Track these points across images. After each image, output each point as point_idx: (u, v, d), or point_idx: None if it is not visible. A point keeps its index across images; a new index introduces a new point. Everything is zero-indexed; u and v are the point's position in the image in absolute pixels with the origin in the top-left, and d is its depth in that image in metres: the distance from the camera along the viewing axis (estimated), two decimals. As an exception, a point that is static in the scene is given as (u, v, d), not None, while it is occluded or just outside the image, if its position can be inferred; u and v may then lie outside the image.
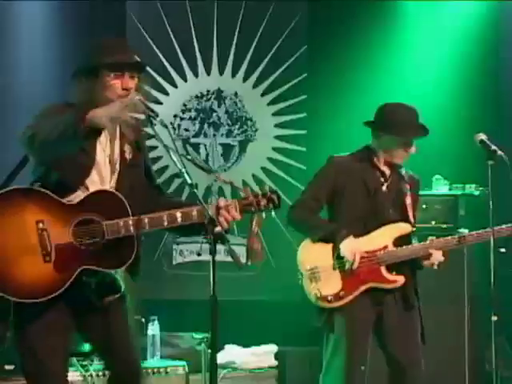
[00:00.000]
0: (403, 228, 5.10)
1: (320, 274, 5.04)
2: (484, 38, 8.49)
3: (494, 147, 5.07)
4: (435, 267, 5.05)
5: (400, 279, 5.03)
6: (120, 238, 4.03)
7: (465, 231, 6.99)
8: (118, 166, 4.21)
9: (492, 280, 4.97)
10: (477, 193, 7.27)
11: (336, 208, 5.15)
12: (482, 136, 5.13)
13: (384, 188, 5.14)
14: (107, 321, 4.19)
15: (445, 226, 7.15)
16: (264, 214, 4.19)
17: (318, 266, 5.05)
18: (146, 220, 4.05)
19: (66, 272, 4.00)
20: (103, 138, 4.15)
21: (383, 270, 5.03)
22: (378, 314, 5.08)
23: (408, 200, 5.15)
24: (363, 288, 5.01)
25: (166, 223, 4.08)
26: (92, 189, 4.07)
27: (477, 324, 6.96)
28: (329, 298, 5.01)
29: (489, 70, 8.43)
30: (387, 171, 5.16)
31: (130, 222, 4.03)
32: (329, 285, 5.02)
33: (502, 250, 5.10)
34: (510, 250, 5.09)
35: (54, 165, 4.04)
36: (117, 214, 4.04)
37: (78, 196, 4.05)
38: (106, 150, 4.18)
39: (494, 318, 5.01)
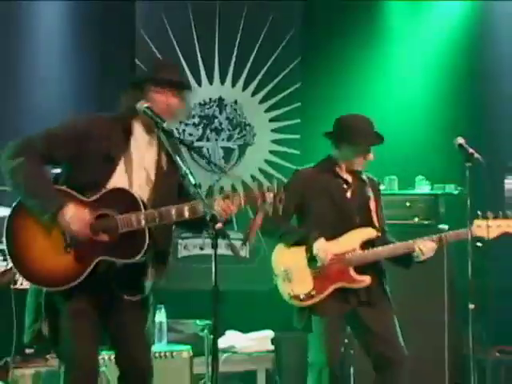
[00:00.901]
0: (369, 233, 5.10)
1: (293, 275, 5.04)
2: (467, 40, 8.47)
3: (471, 150, 5.07)
4: (421, 258, 5.05)
5: (367, 279, 5.02)
6: (134, 231, 4.04)
7: (445, 227, 7.06)
8: (152, 173, 4.23)
9: (470, 271, 4.99)
10: (456, 192, 7.28)
11: (305, 218, 5.15)
12: (461, 140, 5.14)
13: (348, 195, 5.14)
14: (124, 320, 4.22)
15: (426, 222, 7.17)
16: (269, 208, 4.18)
17: (291, 268, 5.05)
18: (156, 214, 4.06)
19: (85, 262, 4.02)
20: (140, 144, 4.20)
21: (351, 271, 5.02)
22: (350, 312, 5.08)
23: (372, 205, 5.15)
24: (333, 287, 5.01)
25: (174, 217, 4.08)
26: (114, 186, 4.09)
27: (455, 312, 6.98)
28: (301, 297, 5.01)
29: (472, 75, 8.41)
30: (349, 178, 5.15)
31: (142, 216, 4.04)
32: (301, 285, 5.02)
33: (479, 244, 5.11)
34: (486, 244, 5.09)
35: (78, 169, 4.09)
36: (130, 209, 4.05)
37: (99, 191, 4.06)
38: (140, 156, 4.20)
39: (472, 307, 5.03)
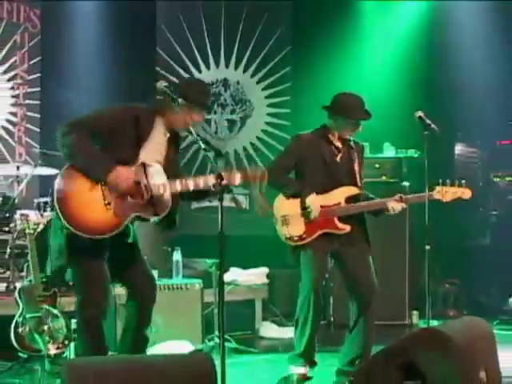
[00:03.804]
0: (353, 190, 5.06)
1: (289, 220, 5.01)
2: (425, 33, 8.46)
3: (428, 122, 5.03)
4: (392, 213, 5.03)
5: (347, 227, 4.97)
6: (160, 196, 4.13)
7: (406, 184, 7.04)
8: (164, 152, 4.29)
9: (426, 219, 4.97)
10: (416, 155, 7.29)
11: (301, 174, 5.09)
12: (420, 113, 5.08)
13: (338, 159, 5.07)
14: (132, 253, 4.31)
15: (392, 180, 7.18)
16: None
17: (288, 214, 5.02)
18: (177, 183, 4.16)
19: (122, 217, 4.08)
20: (158, 132, 4.24)
21: (336, 220, 4.99)
22: (334, 252, 5.05)
23: (356, 167, 5.08)
24: (320, 232, 4.97)
25: (191, 186, 4.16)
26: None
27: (414, 252, 6.99)
28: (295, 238, 4.99)
29: (429, 61, 8.40)
30: (340, 145, 5.08)
31: (167, 184, 4.14)
32: (295, 228, 4.99)
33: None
34: (442, 204, 5.07)
35: (114, 146, 4.11)
36: (158, 179, 4.15)
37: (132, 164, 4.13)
38: (158, 142, 4.24)
39: (427, 248, 5.02)
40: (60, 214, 4.01)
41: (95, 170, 4.03)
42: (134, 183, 4.09)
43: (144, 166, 4.14)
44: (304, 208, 4.99)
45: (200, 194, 4.27)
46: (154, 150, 4.22)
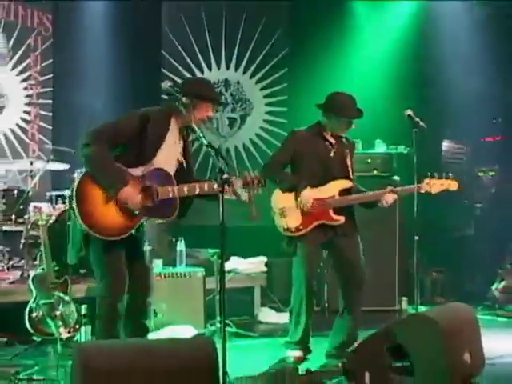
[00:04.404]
0: (346, 183, 5.07)
1: (286, 212, 5.01)
2: (415, 34, 8.41)
3: (417, 119, 5.03)
4: (385, 205, 5.04)
5: (341, 218, 4.97)
6: (169, 199, 4.20)
7: (397, 178, 7.04)
8: (179, 152, 4.34)
9: (415, 211, 4.98)
10: (405, 151, 7.27)
11: (297, 168, 5.08)
12: (410, 112, 5.08)
13: (332, 154, 5.07)
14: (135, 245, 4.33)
15: (383, 174, 7.16)
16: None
17: (285, 207, 5.02)
18: (185, 188, 4.23)
19: (134, 220, 4.16)
20: (174, 132, 4.29)
21: (330, 211, 4.99)
22: (328, 241, 5.06)
23: (349, 162, 5.09)
24: (316, 223, 4.97)
25: (197, 191, 4.23)
26: (157, 165, 4.23)
27: (404, 243, 7.00)
28: (292, 230, 4.98)
29: (419, 61, 8.38)
30: (333, 141, 5.07)
31: (176, 188, 4.22)
32: (292, 220, 4.99)
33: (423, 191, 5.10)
34: (430, 196, 5.07)
35: (133, 150, 4.18)
36: (166, 183, 4.22)
37: (146, 168, 4.20)
38: (172, 142, 4.29)
39: (416, 238, 5.02)
40: (78, 215, 4.07)
41: (108, 188, 4.10)
42: (143, 189, 4.15)
43: (156, 170, 4.21)
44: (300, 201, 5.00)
45: (206, 196, 4.31)
46: (170, 150, 4.28)
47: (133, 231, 4.16)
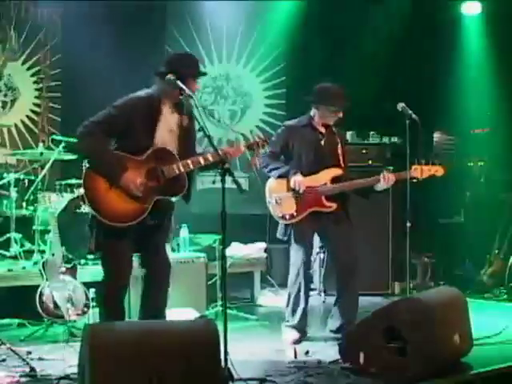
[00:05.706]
0: (337, 171, 5.07)
1: (281, 200, 5.02)
2: (409, 28, 8.32)
3: (409, 112, 5.05)
4: (384, 186, 5.01)
5: (334, 205, 4.98)
6: (176, 176, 4.14)
7: (390, 168, 7.03)
8: (176, 132, 4.27)
9: (408, 198, 4.99)
10: (398, 142, 7.27)
11: (289, 158, 5.10)
12: (402, 104, 5.11)
13: (322, 143, 5.08)
14: (157, 239, 4.32)
15: (377, 164, 7.15)
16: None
17: (280, 195, 5.04)
18: (190, 161, 4.17)
19: (146, 203, 4.13)
20: (167, 113, 4.22)
21: (323, 198, 5.00)
22: (322, 228, 5.07)
23: (339, 150, 5.09)
24: (310, 210, 4.99)
25: (202, 163, 4.18)
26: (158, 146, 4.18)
27: (397, 229, 7.00)
28: (287, 217, 5.00)
29: (411, 59, 8.30)
30: (323, 130, 5.09)
31: (180, 165, 4.16)
32: (286, 208, 5.00)
33: (414, 180, 5.10)
34: (420, 181, 5.07)
35: (130, 137, 4.13)
36: (170, 161, 4.16)
37: (148, 151, 4.16)
38: (167, 122, 4.23)
39: (408, 225, 5.04)
40: (88, 203, 4.07)
41: (109, 176, 4.06)
42: (148, 171, 4.10)
43: (157, 151, 4.15)
44: (291, 189, 5.00)
45: (208, 167, 4.26)
46: (167, 130, 4.22)
47: (145, 217, 4.08)
